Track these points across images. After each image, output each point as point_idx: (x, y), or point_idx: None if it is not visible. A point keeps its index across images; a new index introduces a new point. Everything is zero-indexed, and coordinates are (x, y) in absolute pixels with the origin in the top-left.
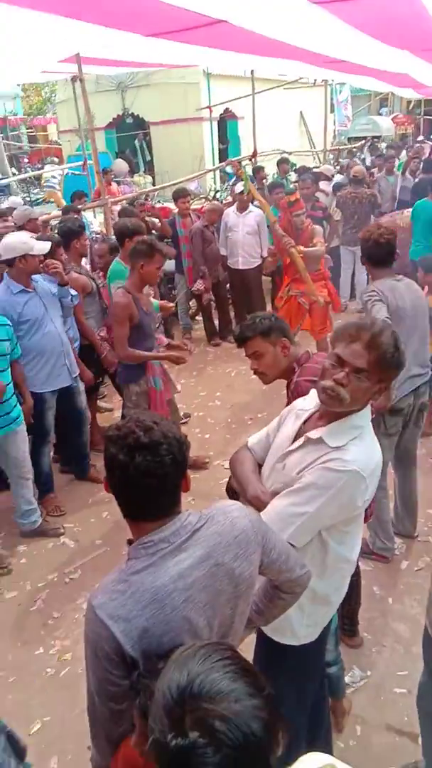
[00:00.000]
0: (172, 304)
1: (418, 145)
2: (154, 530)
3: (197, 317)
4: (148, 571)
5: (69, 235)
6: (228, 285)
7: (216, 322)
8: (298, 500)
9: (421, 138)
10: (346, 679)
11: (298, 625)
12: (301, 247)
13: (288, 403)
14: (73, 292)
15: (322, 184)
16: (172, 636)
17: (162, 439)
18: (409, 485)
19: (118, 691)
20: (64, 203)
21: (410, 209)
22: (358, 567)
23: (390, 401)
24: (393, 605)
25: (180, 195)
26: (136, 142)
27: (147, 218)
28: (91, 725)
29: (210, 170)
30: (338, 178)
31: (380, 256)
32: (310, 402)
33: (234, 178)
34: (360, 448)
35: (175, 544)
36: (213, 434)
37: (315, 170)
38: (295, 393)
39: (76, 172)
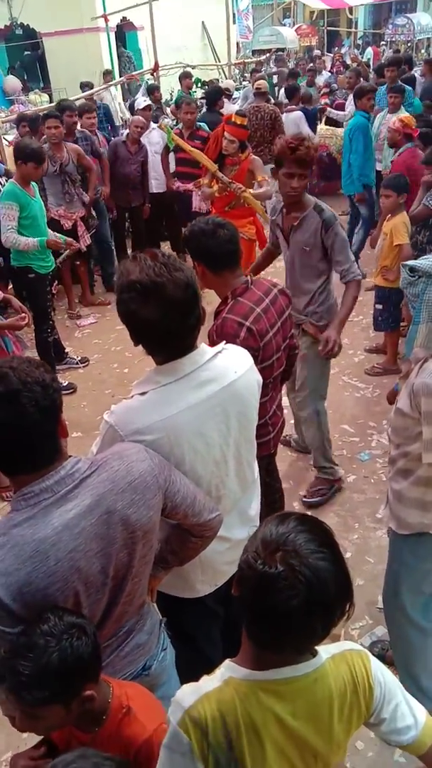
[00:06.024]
0: (77, 243)
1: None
2: (36, 481)
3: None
4: (28, 524)
5: None
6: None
7: (129, 251)
8: (97, 439)
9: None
10: None
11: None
12: (251, 191)
13: (209, 335)
14: None
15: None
16: (60, 587)
17: (20, 386)
18: None
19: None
20: None
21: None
22: (280, 484)
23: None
24: None
25: (85, 110)
26: (26, 54)
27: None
28: None
29: (111, 84)
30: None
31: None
32: None
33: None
34: (136, 404)
35: (60, 493)
36: (132, 368)
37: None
38: (220, 331)
39: None
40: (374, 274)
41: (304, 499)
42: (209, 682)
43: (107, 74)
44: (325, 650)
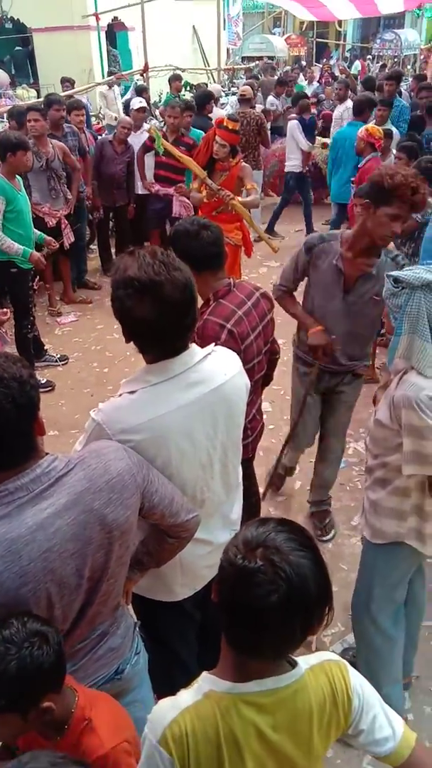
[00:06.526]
0: (56, 243)
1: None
2: (11, 479)
3: (92, 245)
4: (1, 522)
5: None
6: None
7: (113, 251)
8: (81, 437)
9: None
10: None
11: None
12: (239, 198)
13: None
14: None
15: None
16: (32, 587)
17: None
18: None
19: None
20: None
21: None
22: (257, 488)
23: None
24: None
25: (74, 107)
26: (17, 49)
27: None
28: None
29: (100, 83)
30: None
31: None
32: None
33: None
34: (125, 403)
35: (35, 492)
36: (112, 368)
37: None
38: (201, 333)
39: None
40: None
41: (323, 539)
42: (188, 697)
43: (111, 73)
44: (305, 661)
